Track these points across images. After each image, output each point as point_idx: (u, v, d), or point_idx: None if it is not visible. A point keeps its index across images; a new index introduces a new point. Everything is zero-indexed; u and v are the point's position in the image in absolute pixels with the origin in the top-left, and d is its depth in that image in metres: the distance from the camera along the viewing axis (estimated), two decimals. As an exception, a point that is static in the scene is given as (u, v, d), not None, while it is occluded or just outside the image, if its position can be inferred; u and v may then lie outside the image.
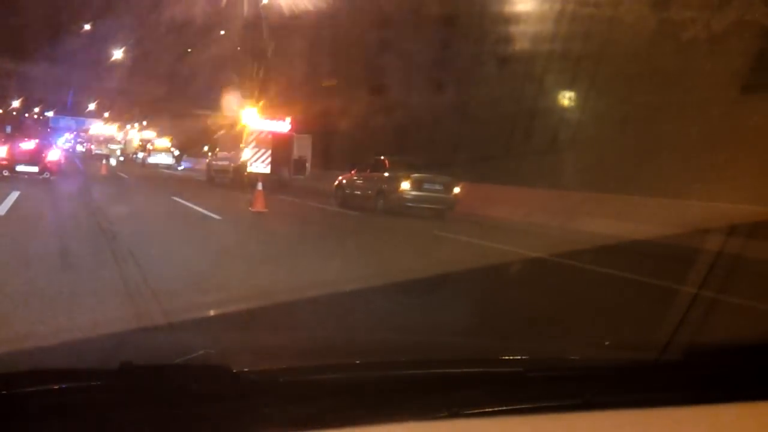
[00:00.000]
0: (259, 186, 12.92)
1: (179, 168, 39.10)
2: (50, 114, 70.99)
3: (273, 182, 19.74)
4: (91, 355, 1.65)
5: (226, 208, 13.43)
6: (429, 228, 11.76)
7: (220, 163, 25.16)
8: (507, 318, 4.81)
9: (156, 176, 28.61)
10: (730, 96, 12.14)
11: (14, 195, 11.39)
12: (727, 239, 5.98)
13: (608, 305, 5.82)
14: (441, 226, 12.01)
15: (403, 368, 1.54)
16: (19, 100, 61.88)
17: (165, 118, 48.99)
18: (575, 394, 1.40)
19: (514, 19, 17.64)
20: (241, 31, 33.57)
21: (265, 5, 29.29)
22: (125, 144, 54.63)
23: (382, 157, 15.41)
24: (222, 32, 37.40)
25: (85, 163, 36.33)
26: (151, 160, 40.10)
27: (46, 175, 16.72)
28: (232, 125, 26.43)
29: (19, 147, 17.36)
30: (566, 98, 16.87)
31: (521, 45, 17.32)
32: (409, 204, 14.17)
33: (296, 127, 23.86)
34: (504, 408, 1.34)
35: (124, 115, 63.11)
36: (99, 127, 64.77)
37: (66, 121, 69.73)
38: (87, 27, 42.16)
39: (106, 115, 68.60)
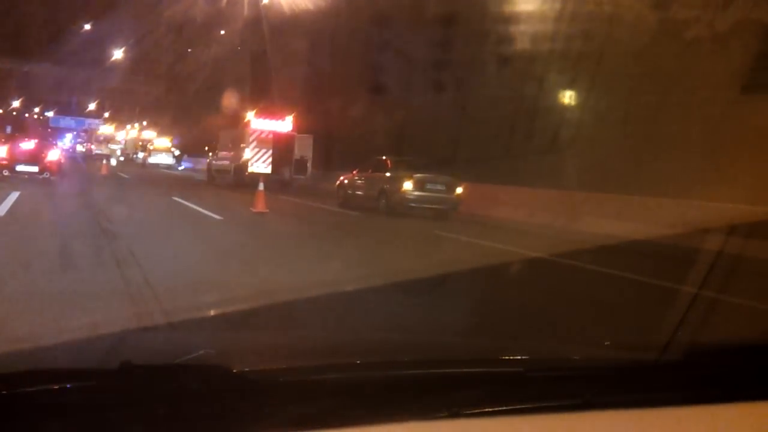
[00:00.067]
0: (261, 186, 12.91)
1: (179, 168, 39.12)
2: (50, 114, 71.04)
3: (274, 182, 19.73)
4: (91, 355, 1.65)
5: (227, 209, 13.44)
6: (431, 228, 11.76)
7: (220, 163, 25.15)
8: (507, 318, 4.81)
9: (156, 176, 28.63)
10: (732, 96, 12.14)
11: (14, 195, 11.39)
12: (728, 239, 5.99)
13: (609, 305, 5.82)
14: (443, 227, 12.00)
15: (403, 368, 1.54)
16: (19, 100, 61.99)
17: (165, 118, 49.05)
18: (575, 394, 1.40)
19: (516, 18, 17.64)
20: (242, 30, 33.62)
21: (265, 5, 29.32)
22: (125, 144, 54.65)
23: (384, 157, 15.35)
24: (222, 32, 37.46)
25: (85, 163, 36.36)
26: (152, 160, 40.11)
27: (46, 175, 16.73)
28: (233, 125, 26.45)
29: (19, 147, 17.36)
30: (567, 98, 16.86)
31: (522, 45, 17.33)
32: (412, 204, 14.10)
33: (297, 127, 23.85)
34: (504, 408, 1.34)
35: (124, 115, 63.17)
36: (100, 127, 64.80)
37: (66, 121, 69.78)
38: (87, 27, 42.18)
39: (106, 115, 68.66)
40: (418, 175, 14.12)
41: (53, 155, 17.95)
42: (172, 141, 43.16)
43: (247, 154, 22.47)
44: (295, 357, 1.72)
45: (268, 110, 24.31)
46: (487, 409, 1.33)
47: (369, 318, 4.48)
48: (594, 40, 15.20)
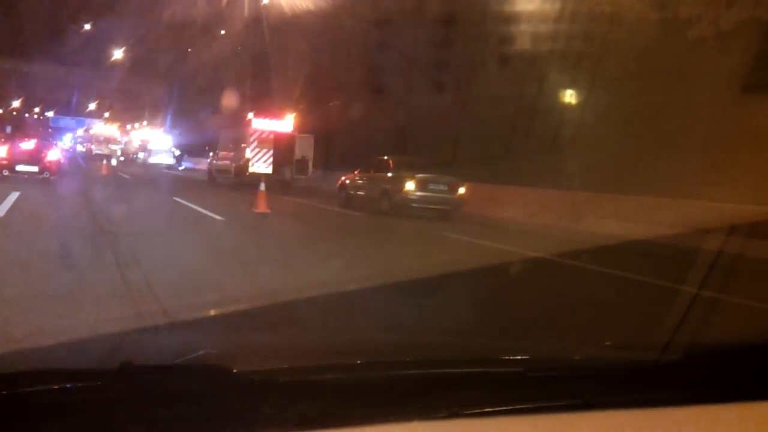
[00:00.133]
0: (262, 187, 12.90)
1: (180, 168, 39.13)
2: (50, 114, 71.08)
3: (275, 182, 19.72)
4: (91, 355, 1.65)
5: (228, 209, 13.43)
6: (433, 229, 11.75)
7: (221, 163, 25.16)
8: (508, 318, 4.82)
9: (157, 176, 28.64)
10: (733, 96, 12.14)
11: (14, 195, 11.38)
12: (728, 239, 5.99)
13: (609, 305, 5.82)
14: (445, 227, 11.99)
15: (403, 368, 1.54)
16: (19, 100, 62.01)
17: (165, 118, 49.04)
18: (575, 394, 1.40)
19: (517, 18, 17.64)
20: (242, 30, 33.59)
21: (265, 5, 29.31)
22: (126, 144, 54.66)
23: (386, 157, 15.29)
24: (222, 32, 37.43)
25: (85, 163, 36.37)
26: (152, 160, 40.14)
27: (46, 174, 16.73)
28: (234, 125, 26.46)
29: (19, 147, 17.35)
30: (568, 97, 16.86)
31: (524, 44, 17.34)
32: (414, 205, 14.03)
33: (298, 127, 23.86)
34: (504, 408, 1.35)
35: (124, 115, 63.18)
36: (100, 127, 64.83)
37: (66, 121, 69.81)
38: (87, 27, 42.15)
39: (107, 115, 68.68)
40: (421, 175, 14.06)
41: (53, 155, 17.95)
42: (172, 141, 43.18)
43: (248, 154, 22.49)
44: (295, 357, 1.73)
45: (268, 110, 24.32)
46: (487, 409, 1.33)
47: (369, 318, 4.48)
48: (595, 39, 15.20)
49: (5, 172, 16.25)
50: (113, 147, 52.52)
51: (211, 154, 27.73)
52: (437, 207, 14.01)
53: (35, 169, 16.70)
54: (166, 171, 35.40)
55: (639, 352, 1.94)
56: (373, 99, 23.07)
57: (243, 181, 21.79)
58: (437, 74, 21.47)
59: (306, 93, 27.33)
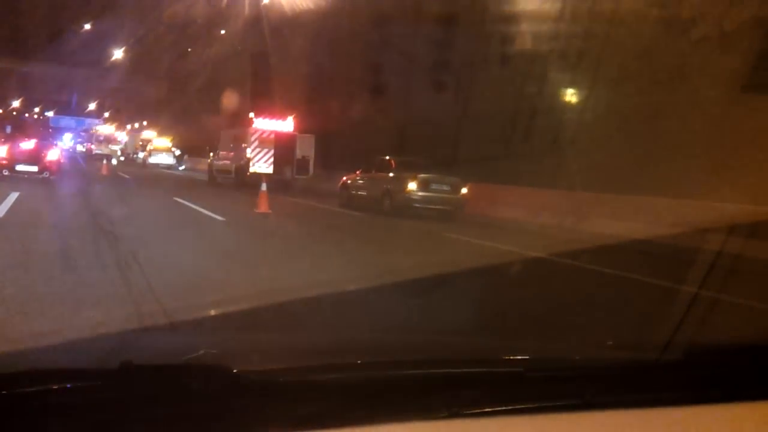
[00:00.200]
0: (263, 187, 12.89)
1: (180, 168, 39.11)
2: (50, 114, 71.11)
3: (276, 182, 19.71)
4: (91, 355, 1.65)
5: (229, 209, 13.41)
6: (435, 229, 11.74)
7: (222, 163, 25.12)
8: (508, 318, 4.81)
9: (157, 176, 28.62)
10: (734, 96, 12.14)
11: (14, 195, 11.37)
12: (728, 239, 5.99)
13: (609, 305, 5.82)
14: (447, 227, 11.98)
15: (403, 368, 1.54)
16: (19, 100, 62.02)
17: (165, 118, 49.02)
18: (575, 394, 1.40)
19: (518, 18, 17.63)
20: (242, 30, 33.60)
21: (266, 5, 29.31)
22: (126, 144, 54.65)
23: (388, 157, 15.24)
24: (222, 32, 37.44)
25: (85, 163, 36.36)
26: (152, 160, 40.07)
27: (46, 174, 16.72)
28: (234, 125, 26.44)
29: (19, 147, 17.34)
30: (569, 97, 16.86)
31: (525, 44, 17.33)
32: (416, 205, 13.99)
33: (299, 127, 23.84)
34: (504, 408, 1.35)
35: (124, 115, 63.19)
36: (100, 127, 64.85)
37: (66, 121, 69.84)
38: (87, 27, 42.16)
39: (106, 115, 68.70)
40: (423, 175, 14.03)
41: (53, 155, 17.93)
42: (172, 141, 43.15)
43: (249, 154, 22.47)
44: (295, 357, 1.72)
45: (269, 110, 24.30)
46: (487, 409, 1.33)
47: (369, 318, 4.48)
48: (595, 39, 15.20)
49: (5, 172, 16.24)
50: (113, 147, 52.49)
51: (211, 154, 27.71)
52: (439, 207, 13.97)
53: (35, 168, 16.69)
54: (166, 171, 35.39)
55: (639, 352, 1.94)
56: (374, 99, 23.05)
57: (244, 181, 21.77)
58: (438, 74, 21.47)
59: (307, 93, 27.31)
